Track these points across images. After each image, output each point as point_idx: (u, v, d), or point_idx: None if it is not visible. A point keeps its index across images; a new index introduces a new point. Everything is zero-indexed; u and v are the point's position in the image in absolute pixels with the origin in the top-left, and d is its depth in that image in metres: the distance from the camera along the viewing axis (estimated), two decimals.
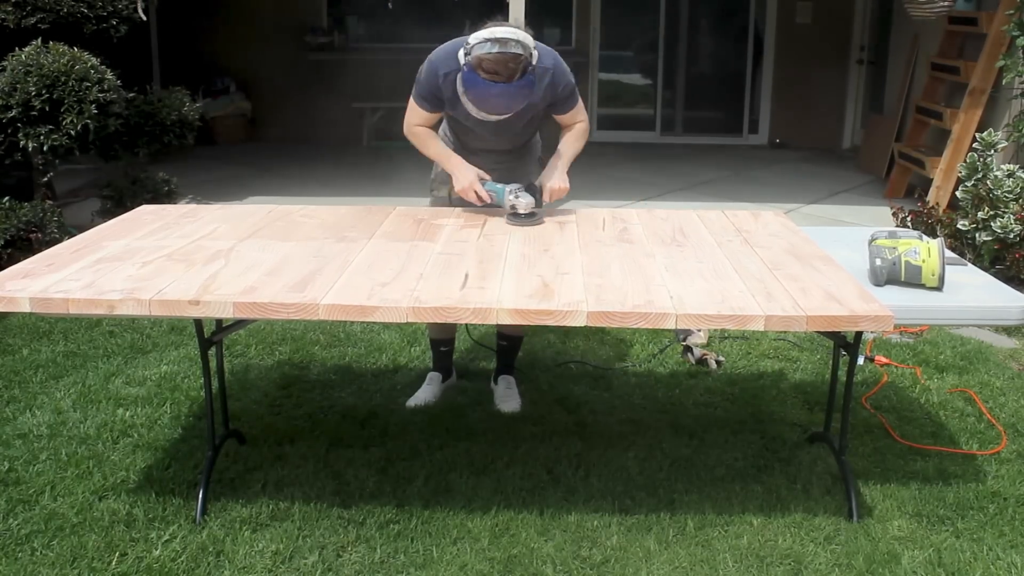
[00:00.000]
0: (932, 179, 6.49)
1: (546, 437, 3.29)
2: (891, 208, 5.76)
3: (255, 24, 9.63)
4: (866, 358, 4.01)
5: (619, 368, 3.94)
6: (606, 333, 4.28)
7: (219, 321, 2.97)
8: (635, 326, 2.37)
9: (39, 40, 5.35)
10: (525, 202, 3.17)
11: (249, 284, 2.49)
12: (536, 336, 4.24)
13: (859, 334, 2.68)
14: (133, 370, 3.86)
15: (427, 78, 3.16)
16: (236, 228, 3.09)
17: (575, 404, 3.58)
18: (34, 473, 3.01)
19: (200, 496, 2.78)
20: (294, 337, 4.22)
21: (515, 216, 3.18)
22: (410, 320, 2.42)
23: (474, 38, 2.92)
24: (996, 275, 3.64)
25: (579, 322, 2.35)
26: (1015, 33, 5.61)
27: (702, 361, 3.98)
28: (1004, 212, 4.88)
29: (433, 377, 3.68)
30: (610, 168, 8.48)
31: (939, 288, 2.64)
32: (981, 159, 5.13)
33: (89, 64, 5.30)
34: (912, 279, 2.66)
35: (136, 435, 3.28)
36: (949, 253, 2.93)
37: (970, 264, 3.00)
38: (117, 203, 5.73)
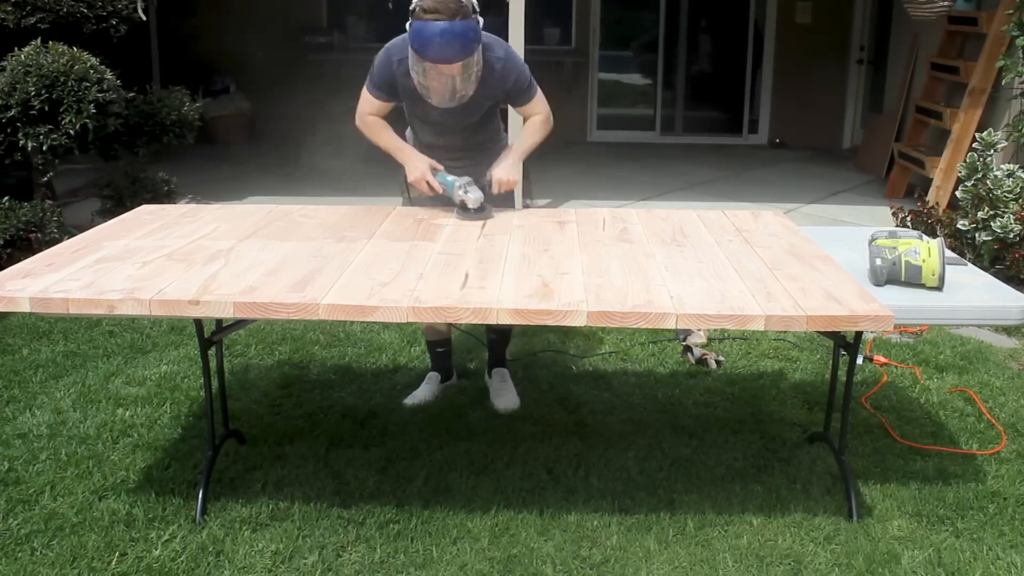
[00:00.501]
0: (932, 179, 6.49)
1: (546, 437, 3.29)
2: (891, 208, 5.76)
3: (255, 24, 9.62)
4: (866, 358, 4.01)
5: (598, 355, 3.94)
6: (605, 332, 4.29)
7: (219, 321, 2.97)
8: (635, 326, 2.37)
9: (39, 40, 5.34)
10: (474, 196, 3.16)
11: (249, 284, 2.49)
12: (536, 336, 4.24)
13: (859, 334, 2.68)
14: (133, 370, 3.86)
15: (381, 65, 3.17)
16: (236, 228, 3.09)
17: (575, 404, 3.58)
18: (34, 473, 3.02)
19: (200, 496, 2.78)
20: (294, 337, 4.22)
21: (464, 211, 3.17)
22: (410, 320, 2.42)
23: None
24: (996, 275, 3.63)
25: (579, 322, 2.35)
26: (1015, 33, 5.60)
27: (702, 361, 3.98)
28: (1004, 212, 4.88)
29: (432, 377, 3.69)
30: (610, 168, 8.49)
31: (939, 288, 2.64)
32: (981, 159, 5.13)
33: (89, 64, 5.29)
34: (912, 279, 2.65)
35: (136, 435, 3.28)
36: (949, 253, 2.92)
37: (970, 264, 2.99)
38: (117, 203, 5.72)
